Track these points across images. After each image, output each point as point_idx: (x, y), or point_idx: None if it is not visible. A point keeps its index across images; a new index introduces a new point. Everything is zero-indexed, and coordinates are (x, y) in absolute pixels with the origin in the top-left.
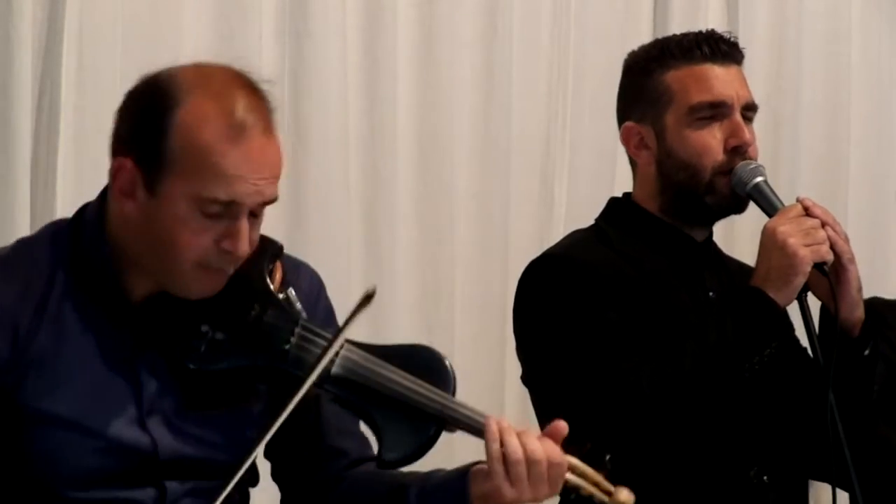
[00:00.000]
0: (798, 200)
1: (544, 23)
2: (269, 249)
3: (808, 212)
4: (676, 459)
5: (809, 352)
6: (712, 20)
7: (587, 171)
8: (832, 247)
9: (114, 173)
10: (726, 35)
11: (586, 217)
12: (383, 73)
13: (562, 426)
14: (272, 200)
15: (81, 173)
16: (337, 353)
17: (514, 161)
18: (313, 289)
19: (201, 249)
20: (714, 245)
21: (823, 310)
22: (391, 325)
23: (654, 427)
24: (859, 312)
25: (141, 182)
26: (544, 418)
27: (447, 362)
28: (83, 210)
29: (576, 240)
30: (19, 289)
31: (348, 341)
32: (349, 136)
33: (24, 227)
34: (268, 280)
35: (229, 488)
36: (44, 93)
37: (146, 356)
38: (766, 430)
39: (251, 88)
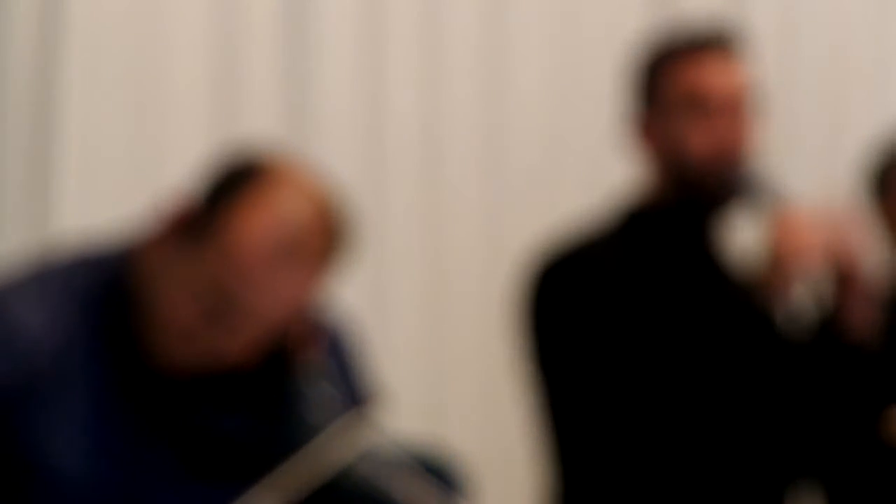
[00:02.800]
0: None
1: (544, 23)
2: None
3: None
4: (677, 472)
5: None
6: (712, 19)
7: (587, 171)
8: (847, 263)
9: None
10: (724, 28)
11: (586, 217)
12: (383, 73)
13: None
14: None
15: (81, 173)
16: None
17: (514, 161)
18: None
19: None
20: (725, 247)
21: (828, 321)
22: (391, 325)
23: (646, 423)
24: (867, 317)
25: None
26: (548, 416)
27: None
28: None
29: (583, 239)
30: (50, 315)
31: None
32: (349, 136)
33: (24, 227)
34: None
35: None
36: (43, 93)
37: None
38: (752, 441)
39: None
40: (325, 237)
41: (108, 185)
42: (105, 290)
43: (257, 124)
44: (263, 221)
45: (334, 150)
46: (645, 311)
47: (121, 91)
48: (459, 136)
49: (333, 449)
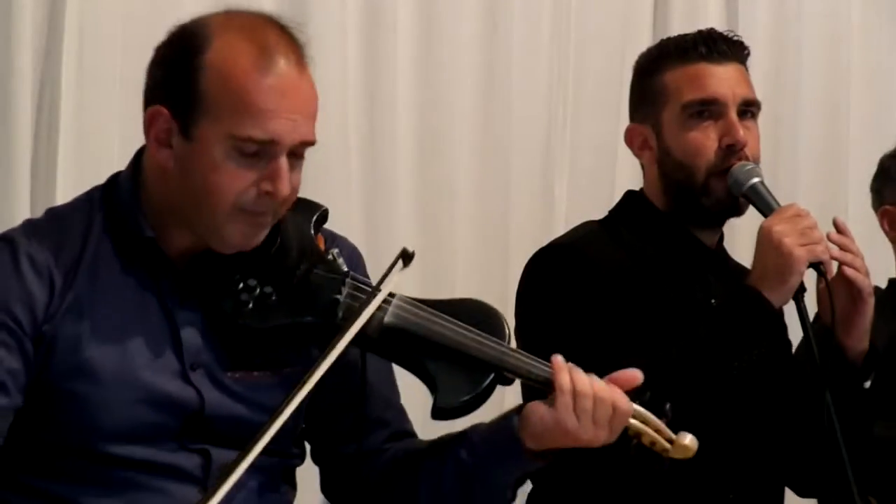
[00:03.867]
0: (834, 220)
1: (544, 23)
2: (315, 210)
3: (839, 241)
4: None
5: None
6: (712, 20)
7: (587, 171)
8: (855, 281)
9: (149, 122)
10: (727, 34)
11: (586, 216)
12: (383, 73)
13: (632, 375)
14: (310, 142)
15: (81, 173)
16: (386, 302)
17: (514, 161)
18: (354, 256)
19: (240, 193)
20: (724, 252)
21: (826, 332)
22: None
23: None
24: (866, 344)
25: (176, 128)
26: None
27: (500, 314)
28: (116, 175)
29: (586, 232)
30: (52, 248)
31: (399, 296)
32: (349, 136)
33: None
34: (314, 238)
35: (274, 429)
36: (44, 93)
37: (186, 311)
38: (747, 442)
39: (280, 27)
40: (287, 35)
41: None
42: (118, 209)
43: None
44: (240, 58)
45: (334, 149)
46: (638, 301)
47: (121, 91)
48: (459, 136)
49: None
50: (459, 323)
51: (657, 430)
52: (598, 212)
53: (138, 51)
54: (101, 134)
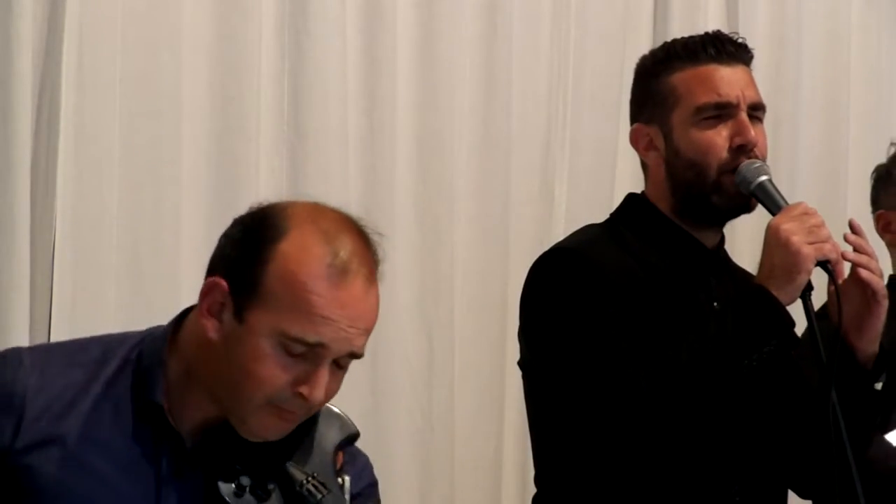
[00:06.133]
0: (850, 222)
1: (544, 23)
2: (347, 430)
3: (855, 242)
4: (662, 470)
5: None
6: (712, 20)
7: (587, 171)
8: (870, 283)
9: (205, 291)
10: (733, 36)
11: (586, 217)
12: (383, 73)
13: None
14: (359, 355)
15: (81, 173)
16: None
17: (514, 161)
18: (364, 480)
19: (276, 388)
20: (725, 254)
21: (835, 335)
22: (391, 325)
23: (649, 423)
24: (876, 347)
25: (231, 306)
26: (537, 405)
27: None
28: (153, 328)
29: (589, 236)
30: (60, 373)
31: None
32: (349, 135)
33: (24, 227)
34: (334, 459)
35: None
36: (44, 93)
37: (178, 483)
38: (755, 443)
39: (361, 234)
40: (365, 245)
41: (110, 186)
42: (142, 364)
43: (258, 127)
44: (312, 260)
45: (334, 149)
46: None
47: (121, 91)
48: (459, 135)
49: None
50: None
51: None
52: (598, 211)
53: (138, 51)
54: (101, 134)
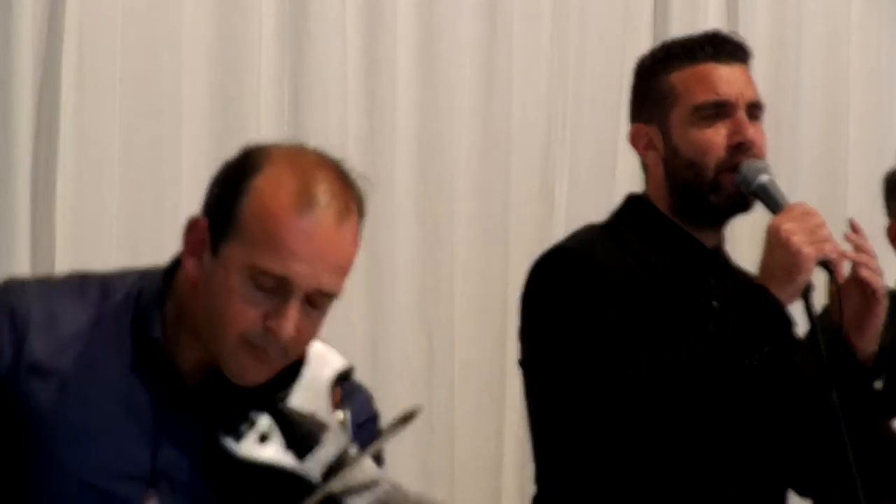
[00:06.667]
0: (850, 221)
1: (544, 23)
2: (338, 365)
3: (855, 241)
4: (663, 470)
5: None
6: (712, 21)
7: (587, 171)
8: (870, 282)
9: (187, 230)
10: (732, 35)
11: (586, 217)
12: (383, 73)
13: None
14: (331, 293)
15: (81, 173)
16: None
17: (514, 161)
18: (365, 412)
19: (246, 323)
20: (724, 254)
21: (836, 335)
22: (391, 325)
23: (648, 423)
24: (875, 346)
25: (208, 242)
26: (537, 405)
27: None
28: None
29: (589, 236)
30: (62, 308)
31: (390, 483)
32: (349, 135)
33: (24, 227)
34: (330, 396)
35: None
36: (44, 93)
37: (175, 424)
38: (755, 442)
39: (339, 172)
40: (343, 185)
41: (110, 186)
42: (141, 302)
43: (258, 125)
44: (282, 192)
45: (334, 149)
46: (643, 304)
47: (121, 91)
48: (459, 135)
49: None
50: None
51: None
52: (598, 211)
53: (138, 51)
54: (101, 134)
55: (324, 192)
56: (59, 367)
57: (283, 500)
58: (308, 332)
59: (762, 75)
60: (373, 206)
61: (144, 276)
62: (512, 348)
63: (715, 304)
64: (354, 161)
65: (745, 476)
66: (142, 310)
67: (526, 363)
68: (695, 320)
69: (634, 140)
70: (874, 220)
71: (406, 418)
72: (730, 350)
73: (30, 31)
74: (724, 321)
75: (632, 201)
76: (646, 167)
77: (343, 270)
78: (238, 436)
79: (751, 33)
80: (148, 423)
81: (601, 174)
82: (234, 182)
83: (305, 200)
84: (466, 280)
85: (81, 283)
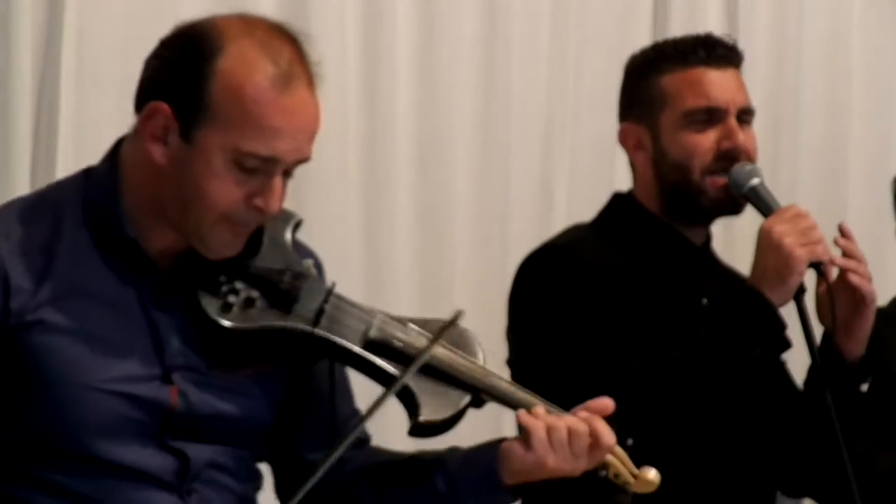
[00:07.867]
0: (839, 226)
1: (544, 23)
2: (290, 219)
3: (845, 247)
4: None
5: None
6: (712, 21)
7: (587, 171)
8: (859, 287)
9: (146, 116)
10: (724, 38)
11: (586, 217)
12: (383, 73)
13: (604, 403)
14: (306, 159)
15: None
16: (370, 314)
17: (514, 161)
18: (319, 266)
19: (231, 204)
20: (712, 252)
21: (826, 338)
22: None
23: (637, 422)
24: (863, 349)
25: (176, 129)
26: None
27: (474, 335)
28: (89, 169)
29: (577, 235)
30: (34, 231)
31: (380, 311)
32: (349, 136)
33: None
34: (294, 248)
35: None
36: (44, 93)
37: (166, 312)
38: (744, 442)
39: (295, 41)
40: (301, 50)
41: None
42: (94, 203)
43: None
44: (256, 72)
45: (334, 149)
46: (632, 302)
47: (121, 91)
48: (459, 135)
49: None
50: (444, 343)
51: (623, 462)
52: (598, 212)
53: (138, 51)
54: (101, 134)
55: (293, 65)
56: (47, 294)
57: (282, 355)
58: (283, 200)
59: (763, 75)
60: (373, 205)
61: (87, 179)
62: None
63: (704, 301)
64: (354, 160)
65: (733, 475)
66: (103, 211)
67: (513, 363)
68: (684, 318)
69: (623, 139)
70: (874, 220)
71: (452, 321)
72: (720, 349)
73: (30, 31)
74: (715, 320)
75: (618, 200)
76: (634, 166)
77: (316, 133)
78: (226, 308)
79: (751, 34)
80: (140, 322)
81: (601, 174)
82: (193, 64)
83: (280, 78)
84: (466, 280)
85: (29, 206)
